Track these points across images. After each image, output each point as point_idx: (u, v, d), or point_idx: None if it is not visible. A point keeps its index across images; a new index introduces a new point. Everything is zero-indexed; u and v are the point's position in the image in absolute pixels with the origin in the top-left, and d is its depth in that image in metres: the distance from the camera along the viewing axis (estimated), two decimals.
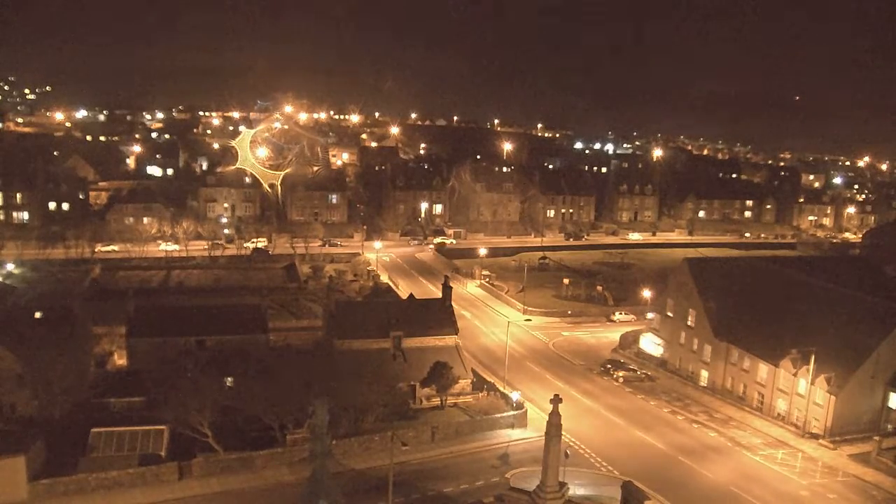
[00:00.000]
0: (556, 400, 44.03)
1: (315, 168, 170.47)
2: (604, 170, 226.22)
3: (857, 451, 59.51)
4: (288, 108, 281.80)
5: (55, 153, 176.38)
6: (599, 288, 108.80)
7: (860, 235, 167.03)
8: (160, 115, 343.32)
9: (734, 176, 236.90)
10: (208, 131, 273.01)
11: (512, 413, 63.22)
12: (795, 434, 63.33)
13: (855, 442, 60.89)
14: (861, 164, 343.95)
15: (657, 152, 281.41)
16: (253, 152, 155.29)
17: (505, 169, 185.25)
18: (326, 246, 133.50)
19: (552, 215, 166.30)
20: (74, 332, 62.12)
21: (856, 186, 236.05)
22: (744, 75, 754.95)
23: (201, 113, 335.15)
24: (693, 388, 74.49)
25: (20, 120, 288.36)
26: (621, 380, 75.47)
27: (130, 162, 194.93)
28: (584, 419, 64.63)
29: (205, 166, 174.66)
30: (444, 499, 50.18)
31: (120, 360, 69.73)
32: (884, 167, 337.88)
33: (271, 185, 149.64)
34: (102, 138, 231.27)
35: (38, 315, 62.14)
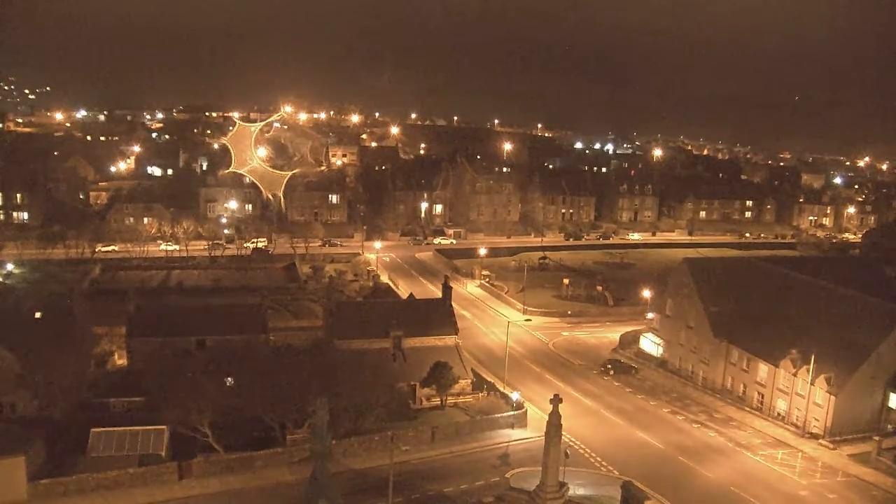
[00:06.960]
0: (556, 400, 44.01)
1: (321, 168, 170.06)
2: (604, 170, 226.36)
3: (857, 451, 59.53)
4: (288, 108, 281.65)
5: (55, 153, 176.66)
6: (599, 288, 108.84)
7: (860, 235, 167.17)
8: (160, 115, 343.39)
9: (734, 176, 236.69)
10: (208, 131, 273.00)
11: (512, 413, 63.23)
12: (795, 434, 63.35)
13: (855, 442, 60.91)
14: (861, 164, 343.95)
15: (657, 152, 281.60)
16: (253, 152, 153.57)
17: (505, 169, 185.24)
18: (326, 246, 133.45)
19: (552, 215, 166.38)
20: (74, 332, 62.04)
21: (856, 186, 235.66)
22: (744, 75, 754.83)
23: (205, 114, 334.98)
24: (693, 387, 74.52)
25: (20, 120, 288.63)
26: (612, 371, 77.71)
27: (130, 162, 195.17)
28: (584, 419, 64.62)
29: (205, 166, 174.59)
30: (444, 499, 50.19)
31: (120, 360, 69.83)
32: (884, 167, 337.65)
33: (273, 194, 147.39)
34: (102, 138, 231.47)
35: (38, 315, 62.11)
